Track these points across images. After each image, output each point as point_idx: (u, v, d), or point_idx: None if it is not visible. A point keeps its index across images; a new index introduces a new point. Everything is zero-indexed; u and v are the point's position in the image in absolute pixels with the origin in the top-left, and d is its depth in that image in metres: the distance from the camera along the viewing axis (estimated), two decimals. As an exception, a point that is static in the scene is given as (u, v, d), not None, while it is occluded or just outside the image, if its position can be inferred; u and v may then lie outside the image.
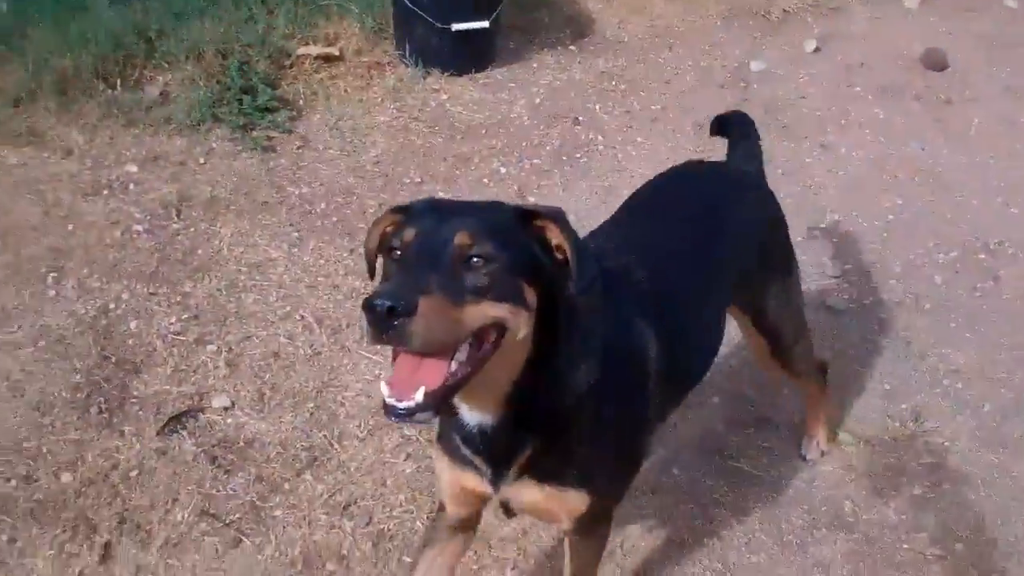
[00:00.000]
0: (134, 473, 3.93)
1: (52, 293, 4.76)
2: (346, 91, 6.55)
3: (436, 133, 6.21)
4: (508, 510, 2.87)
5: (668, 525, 3.88)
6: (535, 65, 7.05)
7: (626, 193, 5.65)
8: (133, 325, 4.61)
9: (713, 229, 3.32)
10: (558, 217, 2.41)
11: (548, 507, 2.77)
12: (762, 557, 3.81)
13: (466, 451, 2.67)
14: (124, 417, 4.17)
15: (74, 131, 5.83)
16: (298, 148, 5.99)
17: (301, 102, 6.37)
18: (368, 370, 4.46)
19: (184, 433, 4.11)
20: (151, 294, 4.80)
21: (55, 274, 4.85)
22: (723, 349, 4.53)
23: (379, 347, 2.27)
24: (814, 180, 6.07)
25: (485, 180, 5.84)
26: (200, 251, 5.12)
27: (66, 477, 3.88)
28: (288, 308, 4.79)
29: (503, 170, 5.95)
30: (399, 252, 2.31)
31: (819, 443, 4.23)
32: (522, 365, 2.44)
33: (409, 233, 2.31)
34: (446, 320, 2.13)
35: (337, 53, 6.76)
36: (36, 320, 4.59)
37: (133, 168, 5.65)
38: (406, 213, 2.45)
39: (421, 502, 3.87)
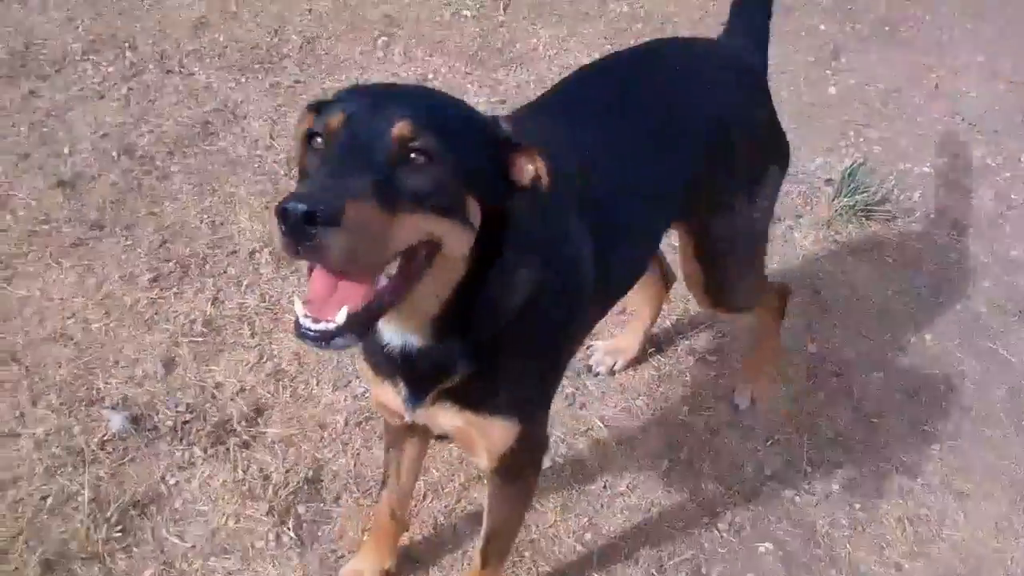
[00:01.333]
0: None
1: (380, 55, 5.17)
2: (685, -75, 6.63)
3: (764, -21, 6.21)
4: (429, 433, 2.66)
5: (911, 385, 3.96)
6: (880, -68, 6.90)
7: (937, 76, 5.66)
8: (446, 96, 4.95)
9: (674, 122, 2.78)
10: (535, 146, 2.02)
11: (468, 436, 2.44)
12: (997, 433, 3.84)
13: (384, 369, 2.37)
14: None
15: (426, -85, 6.20)
16: (628, -33, 6.15)
17: (640, -74, 6.50)
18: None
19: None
20: (467, 73, 5.14)
21: (385, 39, 5.26)
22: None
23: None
24: None
25: (802, 33, 5.86)
26: (518, 45, 5.41)
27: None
28: (587, 112, 5.02)
29: (822, 27, 5.94)
30: (320, 140, 1.89)
31: (754, 392, 3.77)
32: (455, 284, 2.06)
33: (335, 118, 1.86)
34: (375, 233, 1.74)
35: None
36: (360, 75, 4.99)
37: (471, -44, 5.97)
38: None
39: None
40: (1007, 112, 5.53)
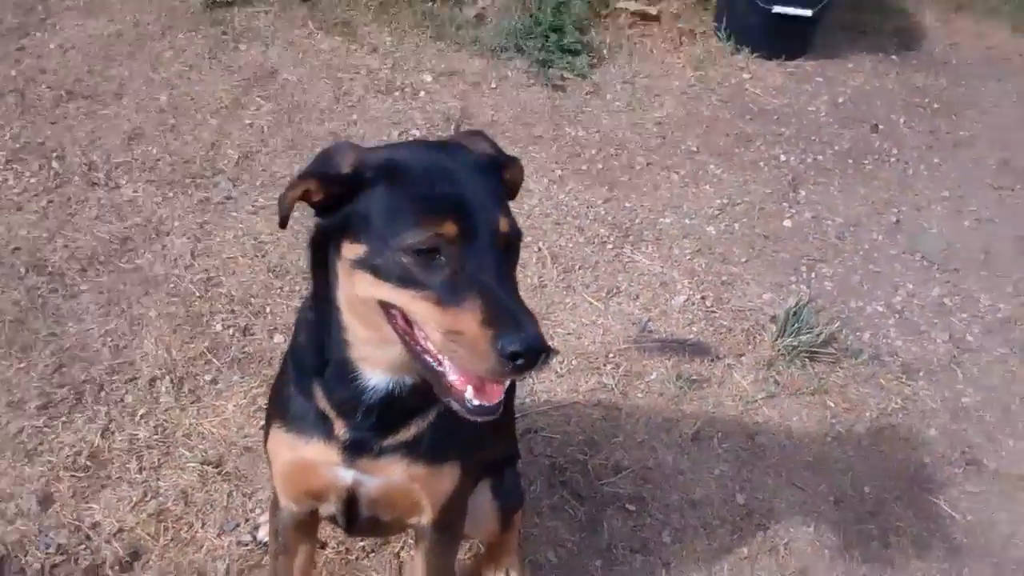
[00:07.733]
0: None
1: (320, 173, 5.01)
2: (652, 51, 6.55)
3: (726, 108, 6.11)
4: (351, 509, 2.52)
5: (842, 542, 3.72)
6: (850, 65, 6.79)
7: (899, 211, 5.50)
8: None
9: None
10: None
11: (410, 489, 2.44)
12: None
13: (324, 409, 2.35)
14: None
15: (385, 32, 6.15)
16: (587, 94, 6.03)
17: (604, 52, 6.41)
18: (585, 315, 4.47)
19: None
20: (407, 194, 4.98)
21: (328, 157, 5.11)
22: None
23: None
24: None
25: (761, 163, 5.70)
26: (466, 166, 5.26)
27: (278, 338, 4.09)
28: (529, 238, 4.85)
29: (783, 157, 5.78)
30: (442, 257, 1.93)
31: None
32: None
33: (449, 228, 1.92)
34: None
35: (655, 13, 6.79)
36: (298, 194, 4.84)
37: (428, 78, 5.86)
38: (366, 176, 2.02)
39: (601, 443, 3.87)
40: (970, 250, 5.36)
